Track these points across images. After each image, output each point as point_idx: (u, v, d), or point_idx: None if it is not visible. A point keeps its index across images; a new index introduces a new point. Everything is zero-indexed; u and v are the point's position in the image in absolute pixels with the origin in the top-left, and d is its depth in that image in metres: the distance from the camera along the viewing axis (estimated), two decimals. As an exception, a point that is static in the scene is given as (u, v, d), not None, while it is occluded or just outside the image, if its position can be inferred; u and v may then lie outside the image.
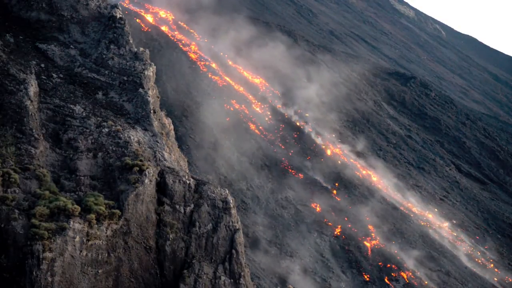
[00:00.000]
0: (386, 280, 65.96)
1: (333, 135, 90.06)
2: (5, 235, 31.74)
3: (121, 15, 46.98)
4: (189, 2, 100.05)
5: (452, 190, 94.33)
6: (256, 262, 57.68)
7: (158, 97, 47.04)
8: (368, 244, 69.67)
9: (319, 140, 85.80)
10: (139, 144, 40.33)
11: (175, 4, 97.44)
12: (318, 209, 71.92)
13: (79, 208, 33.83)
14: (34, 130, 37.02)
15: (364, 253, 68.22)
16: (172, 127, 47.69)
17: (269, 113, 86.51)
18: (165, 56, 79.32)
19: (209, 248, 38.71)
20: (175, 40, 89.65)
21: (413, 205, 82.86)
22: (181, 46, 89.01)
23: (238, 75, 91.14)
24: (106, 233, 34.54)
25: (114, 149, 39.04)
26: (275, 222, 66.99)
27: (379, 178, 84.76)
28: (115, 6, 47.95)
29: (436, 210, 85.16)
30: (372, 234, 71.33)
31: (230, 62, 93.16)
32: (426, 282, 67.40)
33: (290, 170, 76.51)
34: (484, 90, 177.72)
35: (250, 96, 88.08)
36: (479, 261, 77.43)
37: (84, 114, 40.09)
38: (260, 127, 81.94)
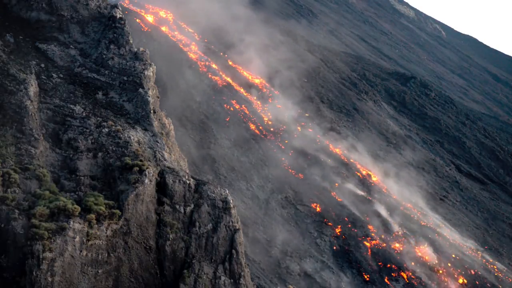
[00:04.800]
0: (386, 280, 65.92)
1: (332, 134, 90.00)
2: (5, 235, 31.74)
3: (121, 15, 46.98)
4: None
5: (452, 190, 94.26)
6: (256, 262, 57.62)
7: (158, 97, 47.00)
8: (368, 244, 69.60)
9: (319, 140, 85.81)
10: (139, 144, 40.32)
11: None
12: (318, 209, 71.89)
13: (79, 208, 33.82)
14: (34, 130, 37.00)
15: (364, 253, 68.17)
16: (172, 127, 47.66)
17: (269, 113, 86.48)
18: (165, 56, 79.14)
19: (209, 248, 38.69)
20: (175, 40, 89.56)
21: (412, 205, 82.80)
22: (181, 46, 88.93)
23: (238, 75, 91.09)
24: (106, 233, 34.52)
25: (114, 149, 39.02)
26: (275, 222, 66.95)
27: (379, 178, 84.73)
28: (115, 6, 47.96)
29: (436, 210, 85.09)
30: (372, 234, 71.28)
31: (230, 62, 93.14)
32: (426, 282, 67.37)
33: (290, 170, 76.49)
34: (484, 90, 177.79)
35: (250, 96, 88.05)
36: (479, 261, 77.38)
37: (84, 114, 40.08)
38: (260, 127, 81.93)
